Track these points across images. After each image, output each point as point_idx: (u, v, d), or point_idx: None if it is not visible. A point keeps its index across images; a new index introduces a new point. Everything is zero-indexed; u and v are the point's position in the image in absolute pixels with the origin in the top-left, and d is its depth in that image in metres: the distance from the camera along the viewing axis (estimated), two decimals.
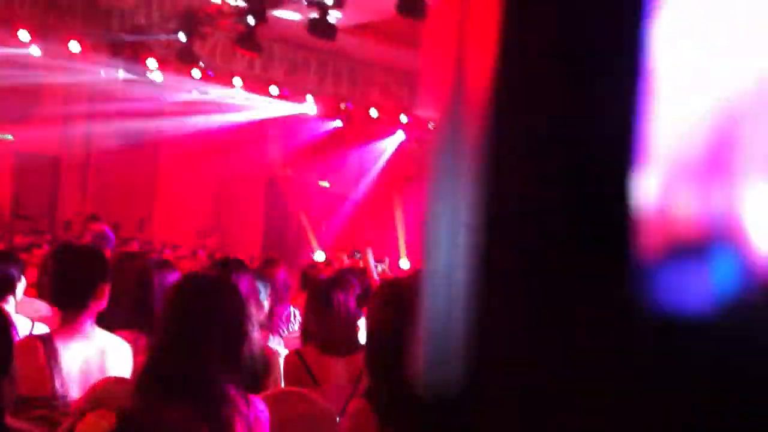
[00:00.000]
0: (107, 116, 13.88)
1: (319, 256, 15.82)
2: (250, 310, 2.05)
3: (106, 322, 3.01)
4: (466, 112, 0.57)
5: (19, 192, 14.38)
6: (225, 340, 1.97)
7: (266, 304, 3.73)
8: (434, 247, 0.61)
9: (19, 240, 10.81)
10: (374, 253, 13.25)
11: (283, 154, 16.25)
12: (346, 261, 12.97)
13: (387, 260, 14.99)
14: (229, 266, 3.34)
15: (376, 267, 12.48)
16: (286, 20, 11.61)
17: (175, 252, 11.52)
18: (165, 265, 3.56)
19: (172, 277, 2.97)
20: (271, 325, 4.29)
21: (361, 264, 12.68)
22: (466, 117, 0.57)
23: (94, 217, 12.76)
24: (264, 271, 4.29)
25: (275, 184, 17.06)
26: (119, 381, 2.22)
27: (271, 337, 3.96)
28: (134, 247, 10.62)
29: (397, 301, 1.64)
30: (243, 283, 2.06)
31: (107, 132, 14.29)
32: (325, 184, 17.70)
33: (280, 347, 3.98)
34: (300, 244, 16.45)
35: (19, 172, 13.99)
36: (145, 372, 1.99)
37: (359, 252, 13.59)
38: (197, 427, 1.02)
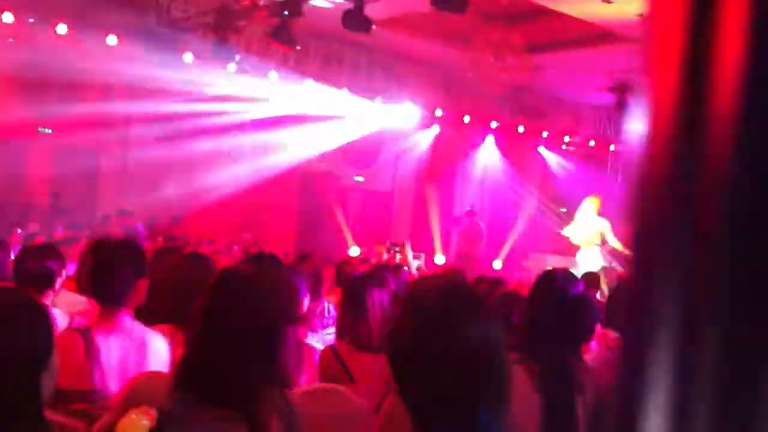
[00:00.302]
0: (145, 111, 14.02)
1: (354, 251, 15.86)
2: (286, 305, 2.04)
3: (144, 316, 3.04)
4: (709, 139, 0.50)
5: (57, 186, 14.59)
6: (262, 336, 1.96)
7: (304, 300, 3.73)
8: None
9: (58, 234, 10.96)
10: (411, 248, 13.27)
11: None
12: (385, 256, 12.96)
13: (423, 256, 14.97)
14: (263, 261, 3.34)
15: (413, 262, 12.50)
16: (321, 12, 11.59)
17: (211, 246, 11.60)
18: (202, 258, 3.58)
19: (211, 272, 2.97)
20: (307, 321, 4.29)
21: (398, 259, 12.70)
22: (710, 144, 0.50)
23: (124, 212, 12.92)
24: (298, 267, 4.29)
25: (309, 178, 17.09)
26: (157, 376, 2.23)
27: (308, 333, 3.96)
28: (160, 242, 10.69)
29: (418, 306, 1.65)
30: (279, 279, 2.05)
31: (145, 126, 14.44)
32: (359, 178, 17.70)
33: (316, 343, 3.97)
34: (334, 239, 16.48)
35: (58, 166, 14.17)
36: (182, 368, 1.99)
37: (397, 246, 13.60)
38: (237, 426, 1.01)
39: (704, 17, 0.53)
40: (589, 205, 13.08)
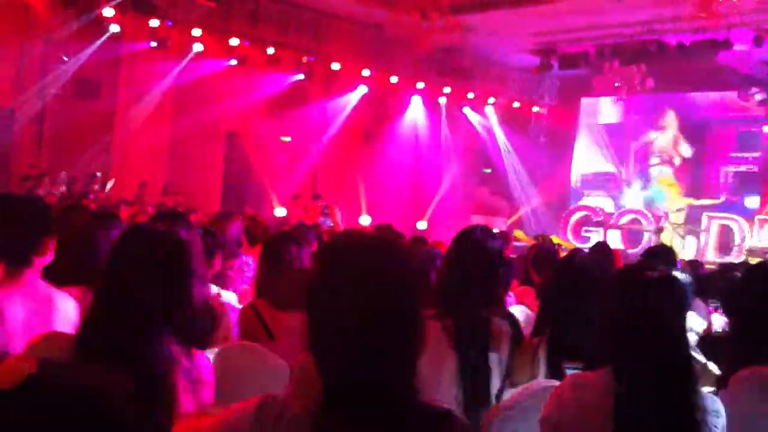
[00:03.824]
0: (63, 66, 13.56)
1: (280, 211, 15.76)
2: (194, 263, 2.01)
3: (53, 276, 2.95)
4: None
5: None
6: (167, 294, 1.94)
7: (217, 258, 3.70)
8: None
9: None
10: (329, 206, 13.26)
11: (244, 108, 16.02)
12: (321, 219, 12.88)
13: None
14: (171, 219, 3.28)
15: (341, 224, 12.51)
16: None
17: (130, 209, 11.37)
18: (110, 218, 3.49)
19: (117, 231, 2.89)
20: (223, 278, 4.26)
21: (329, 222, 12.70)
22: None
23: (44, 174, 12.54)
24: (217, 225, 4.24)
25: (235, 138, 16.83)
26: (59, 335, 2.18)
27: (222, 291, 3.93)
28: (90, 203, 10.45)
29: (333, 257, 1.60)
30: (185, 237, 2.02)
31: (62, 82, 13.96)
32: (286, 139, 17.52)
33: (232, 301, 3.94)
34: (260, 199, 16.33)
35: None
36: (85, 325, 1.95)
37: (327, 208, 13.57)
38: (124, 378, 0.99)
39: None
40: None
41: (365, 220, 16.48)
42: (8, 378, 0.88)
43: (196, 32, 13.84)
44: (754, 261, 11.37)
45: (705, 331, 4.48)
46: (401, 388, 1.50)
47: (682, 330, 2.30)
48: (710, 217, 16.67)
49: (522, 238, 8.91)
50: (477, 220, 15.62)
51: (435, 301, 3.21)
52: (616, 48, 15.14)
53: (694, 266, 6.41)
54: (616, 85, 16.10)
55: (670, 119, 18.06)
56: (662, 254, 4.99)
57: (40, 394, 0.88)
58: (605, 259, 5.16)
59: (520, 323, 3.55)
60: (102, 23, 13.02)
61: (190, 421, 1.63)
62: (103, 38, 13.35)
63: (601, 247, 6.17)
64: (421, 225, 17.27)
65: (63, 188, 12.83)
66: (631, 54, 15.00)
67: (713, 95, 17.44)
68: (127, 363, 1.70)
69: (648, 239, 16.51)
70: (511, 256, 6.50)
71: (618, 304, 2.33)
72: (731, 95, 17.01)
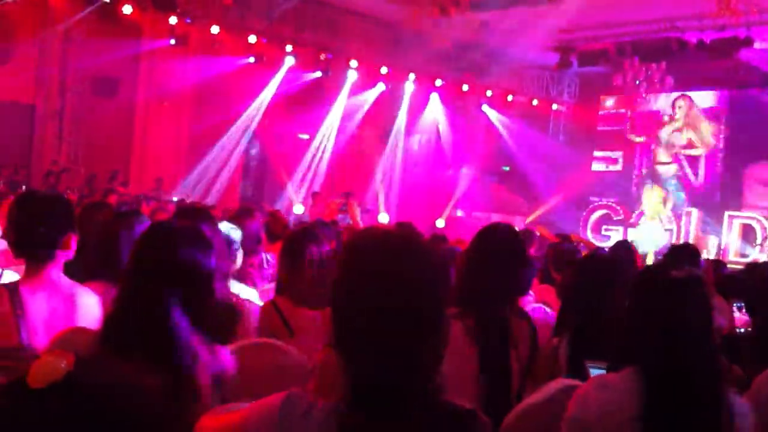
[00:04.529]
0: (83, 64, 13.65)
1: (298, 209, 15.78)
2: (217, 260, 2.01)
3: (76, 272, 2.96)
4: None
5: None
6: (191, 291, 1.94)
7: (237, 255, 3.70)
8: None
9: None
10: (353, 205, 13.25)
11: (262, 106, 16.05)
12: (339, 216, 12.89)
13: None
14: (193, 215, 3.29)
15: (360, 222, 12.49)
16: None
17: (150, 205, 11.42)
18: (133, 214, 3.50)
19: (141, 228, 2.91)
20: (244, 275, 4.26)
21: (348, 220, 12.68)
22: None
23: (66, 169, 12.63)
24: (237, 221, 4.24)
25: (257, 134, 16.88)
26: (83, 330, 2.19)
27: (243, 287, 3.93)
28: (112, 200, 10.52)
29: (358, 255, 1.58)
30: (208, 233, 2.02)
31: (83, 79, 14.06)
32: (304, 136, 17.55)
33: (253, 298, 3.94)
34: (278, 196, 16.38)
35: None
36: (108, 321, 1.96)
37: (346, 205, 13.57)
38: (155, 375, 0.99)
39: None
40: None
41: (383, 218, 16.47)
42: (45, 377, 0.87)
43: (215, 30, 13.88)
44: None
45: (728, 331, 4.44)
46: (426, 386, 1.50)
47: (709, 330, 2.27)
48: (731, 216, 16.52)
49: (546, 235, 8.84)
50: (496, 218, 15.55)
51: (455, 299, 3.18)
52: (636, 45, 15.03)
53: (717, 266, 6.35)
54: (636, 83, 15.99)
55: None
56: (686, 253, 4.94)
57: (77, 393, 0.87)
58: (627, 258, 5.12)
59: (534, 322, 3.52)
60: (121, 20, 13.08)
61: (214, 416, 1.63)
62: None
63: (623, 245, 6.13)
64: (440, 223, 17.24)
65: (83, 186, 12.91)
66: (651, 51, 14.89)
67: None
68: (152, 360, 1.71)
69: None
70: (534, 255, 6.45)
71: (643, 304, 2.30)
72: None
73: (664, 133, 17.93)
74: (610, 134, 18.69)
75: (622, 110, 18.57)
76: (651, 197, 17.94)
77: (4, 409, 0.87)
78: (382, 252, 1.53)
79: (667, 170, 17.91)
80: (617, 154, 18.66)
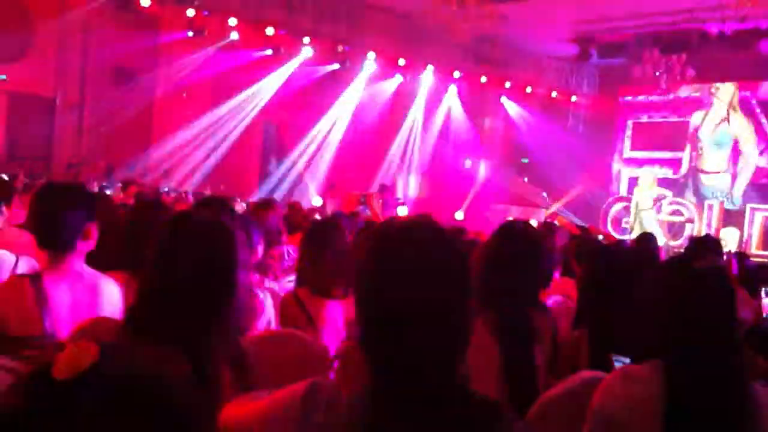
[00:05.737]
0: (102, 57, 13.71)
1: (317, 201, 15.80)
2: (236, 251, 2.00)
3: (99, 262, 2.97)
4: None
5: (11, 133, 14.28)
6: (214, 282, 1.93)
7: (258, 247, 3.70)
8: None
9: (19, 183, 10.76)
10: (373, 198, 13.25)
11: (280, 97, 16.07)
12: (360, 208, 12.90)
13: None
14: (215, 206, 3.29)
15: (380, 214, 12.48)
16: None
17: (170, 195, 11.49)
18: (155, 204, 3.51)
19: (164, 218, 2.91)
20: (264, 267, 4.27)
21: (368, 212, 12.67)
22: None
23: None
24: (257, 213, 4.25)
25: (273, 125, 16.92)
26: (106, 320, 2.19)
27: (264, 279, 3.94)
28: (132, 191, 10.58)
29: (380, 248, 1.57)
30: (227, 224, 2.01)
31: (102, 71, 14.13)
32: (321, 127, 17.55)
33: (275, 289, 3.95)
34: (295, 188, 16.40)
35: (12, 113, 13.85)
36: (131, 312, 1.96)
37: (365, 197, 13.56)
38: (183, 365, 0.99)
39: None
40: None
41: (402, 211, 16.44)
42: (71, 368, 0.87)
43: (232, 22, 13.89)
44: None
45: (754, 322, 4.40)
46: (452, 378, 1.49)
47: (733, 321, 2.25)
48: (753, 209, 16.37)
49: (567, 226, 8.75)
50: (514, 211, 15.50)
51: (476, 294, 3.15)
52: (656, 37, 14.91)
53: (740, 258, 6.29)
54: (656, 74, 15.86)
55: None
56: (708, 245, 4.89)
57: (103, 383, 0.87)
58: (650, 250, 5.08)
59: (554, 313, 3.50)
60: (140, 12, 13.12)
61: (238, 405, 1.63)
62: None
63: (646, 237, 6.08)
64: (459, 215, 17.20)
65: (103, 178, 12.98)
66: (671, 43, 14.77)
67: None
68: (175, 349, 1.70)
69: (691, 231, 16.28)
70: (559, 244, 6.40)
71: (667, 295, 2.28)
72: None
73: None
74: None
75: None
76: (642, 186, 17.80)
77: (30, 401, 0.86)
78: (410, 242, 1.52)
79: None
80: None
